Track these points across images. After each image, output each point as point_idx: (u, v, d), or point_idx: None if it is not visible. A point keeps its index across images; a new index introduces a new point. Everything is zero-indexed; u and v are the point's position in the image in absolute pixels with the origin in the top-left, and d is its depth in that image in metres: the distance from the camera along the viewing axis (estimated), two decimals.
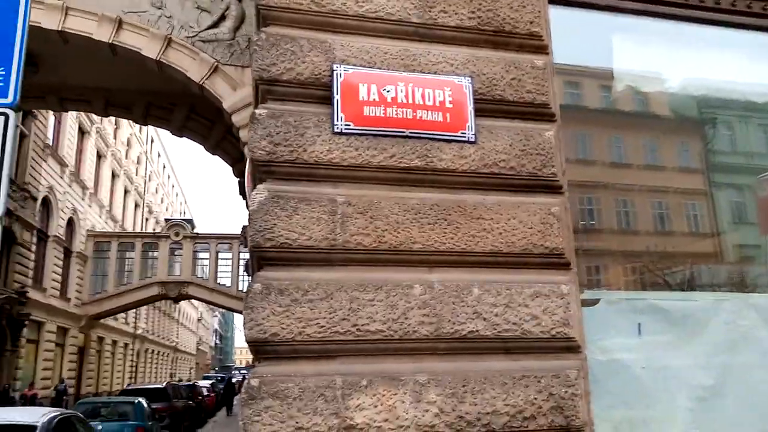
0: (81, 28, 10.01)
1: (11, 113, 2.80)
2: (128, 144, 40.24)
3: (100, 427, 11.88)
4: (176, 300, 37.32)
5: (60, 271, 28.21)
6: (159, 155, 52.22)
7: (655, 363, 3.13)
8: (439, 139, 2.86)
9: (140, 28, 10.10)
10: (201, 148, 14.09)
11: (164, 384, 23.60)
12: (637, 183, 4.05)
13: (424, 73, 2.93)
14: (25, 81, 2.91)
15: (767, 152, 4.32)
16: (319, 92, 2.80)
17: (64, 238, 28.54)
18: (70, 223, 29.52)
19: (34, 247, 24.92)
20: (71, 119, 28.76)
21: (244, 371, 50.49)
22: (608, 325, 3.13)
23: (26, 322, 23.32)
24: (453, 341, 2.66)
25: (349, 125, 2.77)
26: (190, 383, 31.01)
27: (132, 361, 40.94)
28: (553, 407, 2.65)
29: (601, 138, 4.13)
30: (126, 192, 39.95)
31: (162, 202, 53.53)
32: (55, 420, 7.30)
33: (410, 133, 2.83)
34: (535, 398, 2.64)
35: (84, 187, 31.10)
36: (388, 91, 2.85)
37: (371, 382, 2.52)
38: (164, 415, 17.41)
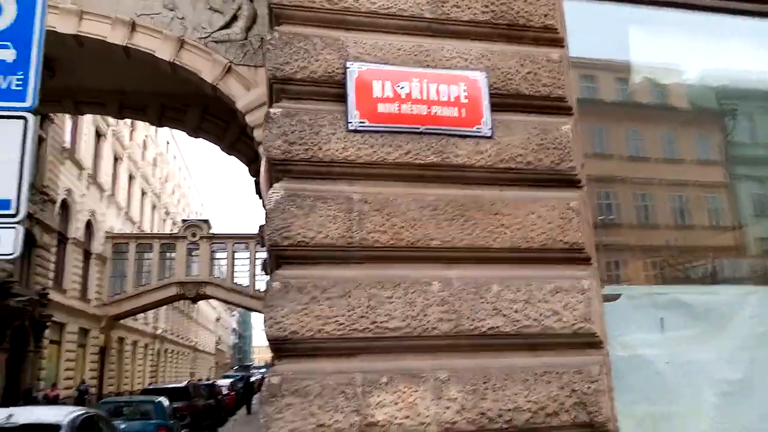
0: (95, 32, 10.11)
1: (30, 117, 2.83)
2: (144, 146, 40.63)
3: (123, 426, 12.01)
4: (194, 300, 37.68)
5: (80, 272, 28.61)
6: (175, 156, 52.68)
7: (679, 358, 3.09)
8: (455, 135, 2.84)
9: (153, 30, 10.17)
10: (217, 148, 14.17)
11: (185, 383, 23.81)
12: (655, 176, 4.00)
13: (438, 68, 2.91)
14: (42, 85, 2.93)
15: None
16: (333, 90, 2.80)
17: (83, 240, 28.91)
18: (89, 225, 29.90)
19: (54, 250, 25.29)
20: (88, 122, 29.11)
21: (263, 370, 50.74)
22: (630, 320, 3.10)
23: (48, 324, 23.69)
24: (473, 338, 2.65)
25: (363, 122, 2.77)
26: (210, 382, 31.26)
27: (152, 360, 41.42)
28: (575, 403, 2.62)
29: (618, 131, 4.07)
30: (143, 193, 40.36)
31: (179, 202, 54.01)
32: (80, 419, 7.40)
33: (425, 129, 2.81)
34: (558, 394, 2.62)
35: (101, 190, 31.47)
36: (402, 88, 2.83)
37: (391, 379, 2.52)
38: (185, 414, 17.56)
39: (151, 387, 26.89)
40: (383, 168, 2.76)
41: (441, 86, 2.87)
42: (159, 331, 42.22)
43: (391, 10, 2.95)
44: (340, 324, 2.55)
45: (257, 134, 9.50)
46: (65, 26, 9.88)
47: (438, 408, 2.52)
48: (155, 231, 41.18)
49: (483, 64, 2.97)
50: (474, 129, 2.86)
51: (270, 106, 2.86)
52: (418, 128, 2.81)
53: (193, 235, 35.45)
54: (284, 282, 2.56)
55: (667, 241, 3.99)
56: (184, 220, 41.21)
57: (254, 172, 13.19)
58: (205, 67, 10.08)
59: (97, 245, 31.11)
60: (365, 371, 2.52)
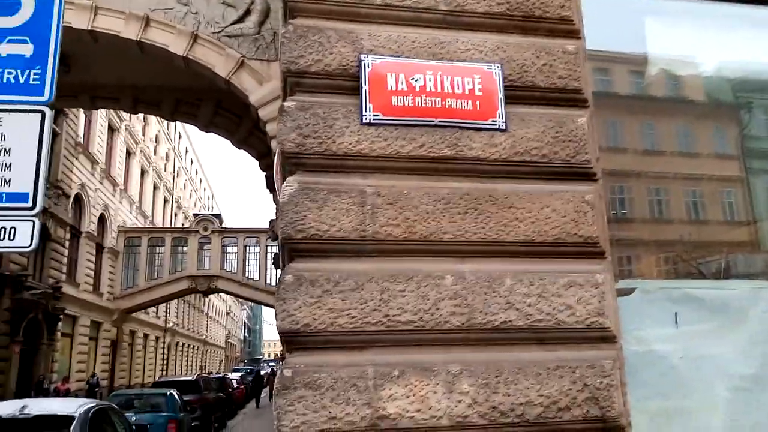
0: (110, 27, 10.17)
1: (47, 110, 2.86)
2: (156, 140, 40.85)
3: (134, 419, 12.11)
4: (205, 294, 37.90)
5: (92, 266, 28.85)
6: (186, 151, 52.93)
7: (693, 353, 3.07)
8: (469, 128, 2.83)
9: (167, 25, 10.22)
10: (228, 143, 14.22)
11: (195, 376, 23.97)
12: (670, 170, 3.96)
13: (452, 61, 2.90)
14: (58, 80, 2.96)
15: None
16: (347, 83, 2.79)
17: (96, 234, 29.14)
18: (102, 219, 30.14)
19: (67, 244, 25.51)
20: (101, 117, 29.30)
21: (272, 364, 50.99)
22: (644, 314, 3.07)
23: (61, 316, 23.93)
24: (485, 332, 2.64)
25: (377, 115, 2.76)
26: (220, 376, 31.45)
27: (163, 354, 41.70)
28: (588, 398, 2.61)
29: (632, 125, 4.03)
30: (155, 188, 40.61)
31: (190, 197, 54.30)
32: (92, 411, 7.46)
33: (439, 122, 2.80)
34: (570, 389, 2.61)
35: (114, 184, 31.70)
36: (416, 80, 2.82)
37: (403, 373, 2.52)
38: (196, 407, 17.65)
39: (161, 380, 27.12)
40: (397, 161, 2.75)
41: (455, 79, 2.86)
42: (170, 325, 42.49)
43: (405, 2, 2.94)
44: (353, 317, 2.55)
45: (270, 128, 9.53)
46: (80, 22, 9.95)
47: (450, 401, 2.52)
48: (167, 225, 41.45)
49: (498, 56, 2.95)
50: (488, 122, 2.85)
51: (284, 99, 2.86)
52: (432, 121, 2.80)
53: (205, 229, 35.61)
54: (297, 275, 2.57)
55: (681, 236, 3.95)
56: (195, 215, 41.42)
57: (265, 167, 13.22)
58: (218, 61, 10.12)
59: (110, 239, 31.36)
60: (377, 364, 2.52)
